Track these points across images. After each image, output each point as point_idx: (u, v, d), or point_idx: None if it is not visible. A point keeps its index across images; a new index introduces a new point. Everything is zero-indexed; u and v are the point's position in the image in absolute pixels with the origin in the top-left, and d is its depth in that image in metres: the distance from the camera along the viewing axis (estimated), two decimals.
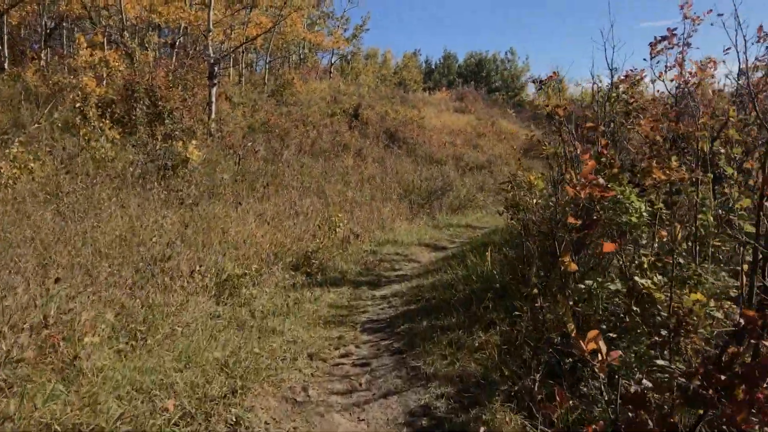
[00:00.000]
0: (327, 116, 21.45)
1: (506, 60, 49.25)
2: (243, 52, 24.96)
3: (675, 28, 6.93)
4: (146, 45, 19.00)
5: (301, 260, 7.61)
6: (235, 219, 8.45)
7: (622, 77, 7.40)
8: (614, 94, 7.24)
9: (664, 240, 4.22)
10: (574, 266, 4.42)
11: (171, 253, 6.68)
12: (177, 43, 19.62)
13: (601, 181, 4.04)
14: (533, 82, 7.50)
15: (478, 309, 5.42)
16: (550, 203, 5.43)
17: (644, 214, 4.09)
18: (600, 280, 4.14)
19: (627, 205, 4.10)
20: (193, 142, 11.48)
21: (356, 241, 9.37)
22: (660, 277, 3.82)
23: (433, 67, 50.44)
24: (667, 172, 4.45)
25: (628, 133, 7.00)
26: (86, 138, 11.85)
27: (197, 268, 5.92)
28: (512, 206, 6.19)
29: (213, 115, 16.24)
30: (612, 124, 7.14)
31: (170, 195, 9.76)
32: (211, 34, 17.38)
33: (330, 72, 34.11)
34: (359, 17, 57.56)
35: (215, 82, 16.59)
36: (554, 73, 7.21)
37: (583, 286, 4.17)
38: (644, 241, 4.14)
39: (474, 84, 43.91)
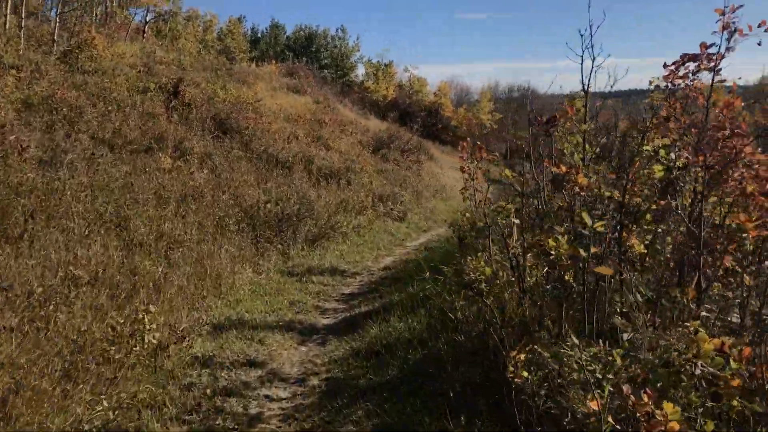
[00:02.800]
0: (137, 92, 16.55)
1: (337, 37, 46.80)
2: None
3: (710, 45, 4.26)
4: None
5: None
6: None
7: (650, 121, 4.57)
8: (647, 148, 4.41)
9: None
10: None
11: None
12: None
13: None
14: (535, 119, 4.47)
15: None
16: None
17: None
18: None
19: None
20: None
21: (178, 346, 5.61)
22: None
23: (260, 36, 46.17)
24: None
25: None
26: None
27: None
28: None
29: None
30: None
31: None
32: None
33: (144, 32, 28.34)
34: None
35: None
36: (569, 107, 4.22)
37: None
38: None
39: (305, 60, 40.80)
